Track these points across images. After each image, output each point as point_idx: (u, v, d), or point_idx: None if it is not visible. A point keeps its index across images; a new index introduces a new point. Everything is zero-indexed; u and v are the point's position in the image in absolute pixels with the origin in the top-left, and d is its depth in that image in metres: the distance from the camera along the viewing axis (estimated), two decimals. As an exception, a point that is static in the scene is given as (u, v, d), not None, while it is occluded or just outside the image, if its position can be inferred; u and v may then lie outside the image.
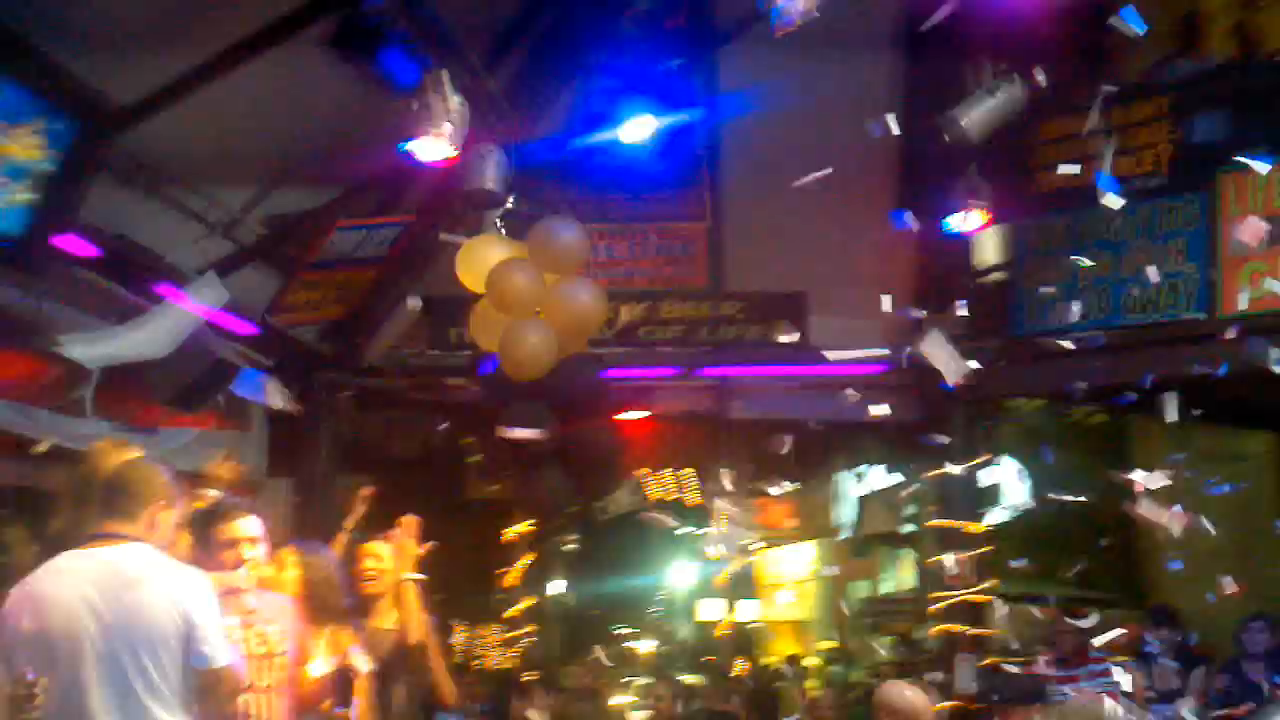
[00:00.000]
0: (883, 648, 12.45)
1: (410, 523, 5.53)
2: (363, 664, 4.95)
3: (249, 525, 4.53)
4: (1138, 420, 9.74)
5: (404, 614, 5.40)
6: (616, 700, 11.26)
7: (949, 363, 7.60)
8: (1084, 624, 8.07)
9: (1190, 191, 7.83)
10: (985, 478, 9.56)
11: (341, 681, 4.81)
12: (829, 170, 6.36)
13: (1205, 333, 7.69)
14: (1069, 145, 8.22)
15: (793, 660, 14.36)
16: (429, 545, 5.56)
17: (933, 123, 7.01)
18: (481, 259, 6.92)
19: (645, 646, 15.55)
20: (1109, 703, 6.88)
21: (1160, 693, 8.47)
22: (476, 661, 12.62)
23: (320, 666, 4.82)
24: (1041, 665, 8.42)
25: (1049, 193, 8.30)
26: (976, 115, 6.99)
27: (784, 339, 8.49)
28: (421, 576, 5.49)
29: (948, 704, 8.25)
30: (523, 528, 10.68)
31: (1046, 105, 7.89)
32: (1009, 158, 7.89)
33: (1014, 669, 8.22)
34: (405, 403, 9.40)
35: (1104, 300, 8.24)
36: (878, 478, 11.86)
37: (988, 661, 8.74)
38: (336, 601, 5.22)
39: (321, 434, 9.06)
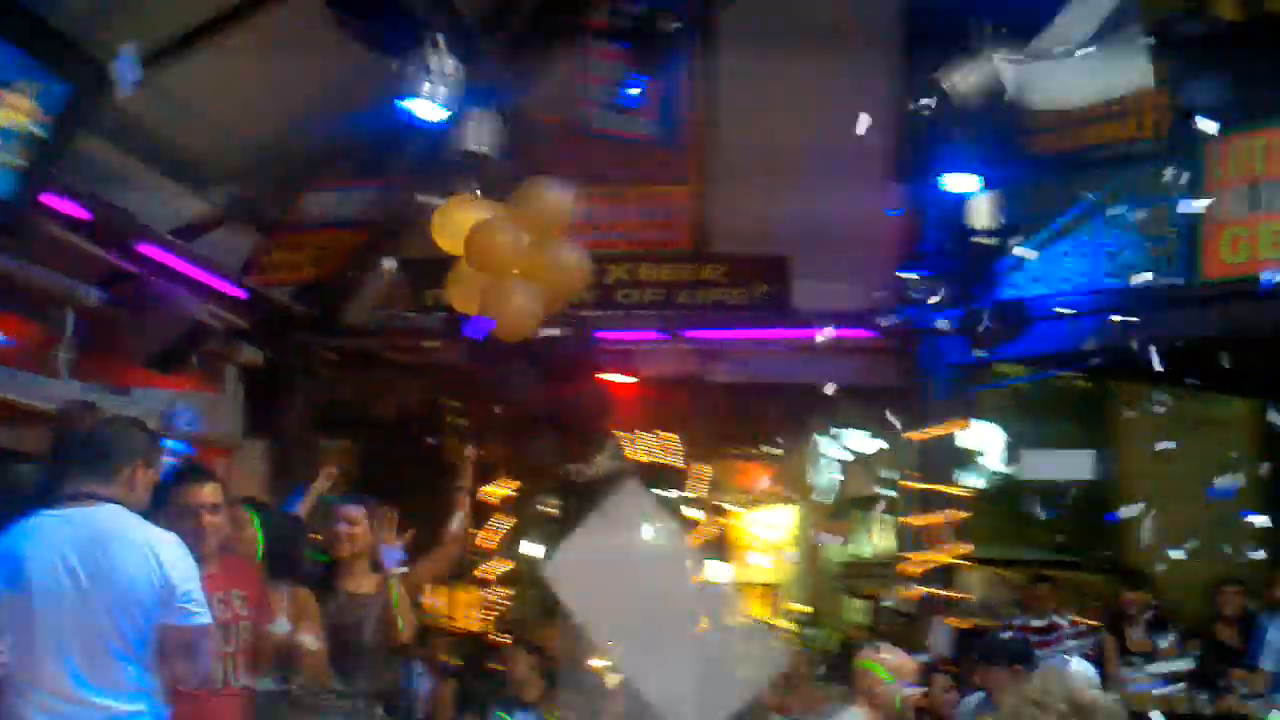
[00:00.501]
0: (855, 611, 12.48)
1: (389, 517, 5.51)
2: (311, 642, 4.93)
3: (209, 491, 4.51)
4: (1120, 385, 9.77)
5: (396, 612, 5.40)
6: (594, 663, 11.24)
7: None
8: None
9: (1178, 156, 7.80)
10: (964, 442, 9.59)
11: (284, 654, 4.81)
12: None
13: (1188, 297, 7.71)
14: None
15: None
16: (410, 534, 5.57)
17: (927, 84, 6.92)
18: (458, 220, 6.83)
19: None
20: (1077, 664, 6.97)
21: (1132, 655, 8.57)
22: (450, 622, 12.55)
23: (281, 627, 4.80)
24: (1017, 627, 8.52)
25: (1042, 155, 8.25)
26: (971, 77, 6.92)
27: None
28: (405, 571, 5.49)
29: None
30: (503, 489, 10.62)
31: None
32: (1003, 119, 7.80)
33: (993, 630, 8.28)
34: (383, 364, 9.32)
35: (1090, 265, 8.24)
36: (857, 441, 11.86)
37: (962, 623, 8.78)
38: (297, 562, 5.22)
39: (297, 395, 9.01)
